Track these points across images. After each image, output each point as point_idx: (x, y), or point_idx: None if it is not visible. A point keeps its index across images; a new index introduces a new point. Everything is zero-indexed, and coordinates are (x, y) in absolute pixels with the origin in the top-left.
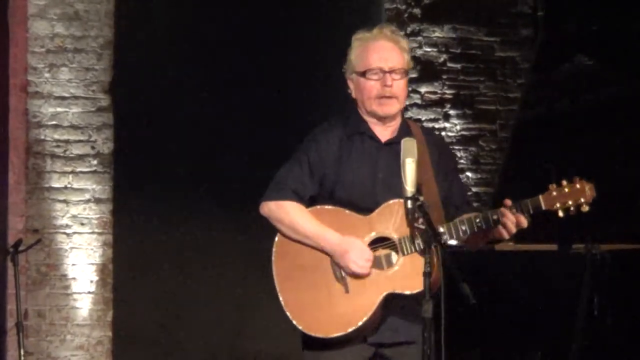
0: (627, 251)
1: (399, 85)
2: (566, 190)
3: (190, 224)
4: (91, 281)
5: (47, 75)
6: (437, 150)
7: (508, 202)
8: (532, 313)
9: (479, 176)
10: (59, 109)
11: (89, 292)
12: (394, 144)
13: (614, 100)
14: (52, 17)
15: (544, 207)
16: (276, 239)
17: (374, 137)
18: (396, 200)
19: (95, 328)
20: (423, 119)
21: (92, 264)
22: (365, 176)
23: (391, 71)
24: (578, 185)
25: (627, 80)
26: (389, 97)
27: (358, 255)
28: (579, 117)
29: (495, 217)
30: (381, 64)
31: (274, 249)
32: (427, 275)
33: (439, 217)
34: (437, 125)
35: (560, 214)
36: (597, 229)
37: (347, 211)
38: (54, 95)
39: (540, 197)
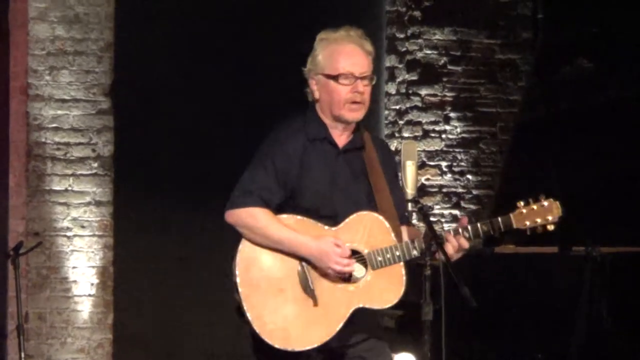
0: (627, 253)
1: (367, 91)
2: (535, 208)
3: (191, 227)
4: (92, 284)
5: (47, 77)
6: (382, 155)
7: (464, 220)
8: (533, 315)
9: (479, 179)
10: (59, 112)
11: (90, 295)
12: (350, 151)
13: (614, 103)
14: (52, 20)
15: (514, 226)
16: (239, 248)
17: (333, 143)
18: (365, 213)
19: (96, 331)
20: (423, 121)
21: (93, 266)
22: (324, 183)
23: (362, 77)
24: (546, 204)
25: (627, 83)
26: (358, 103)
27: (340, 255)
28: (579, 120)
29: (440, 240)
30: (353, 69)
31: (236, 262)
32: (426, 278)
33: (396, 226)
34: (437, 128)
35: (528, 232)
36: (597, 231)
37: (315, 222)
38: (54, 98)
39: (511, 215)
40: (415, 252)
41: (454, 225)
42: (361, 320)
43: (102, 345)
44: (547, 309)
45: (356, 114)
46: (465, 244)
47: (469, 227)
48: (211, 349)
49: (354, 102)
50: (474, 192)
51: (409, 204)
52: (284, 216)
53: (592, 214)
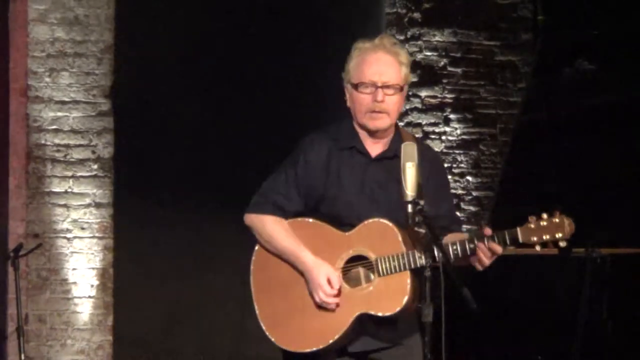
0: (627, 255)
1: (391, 101)
2: (544, 224)
3: (191, 228)
4: (92, 285)
5: (47, 79)
6: (429, 166)
7: (488, 231)
8: (533, 317)
9: (479, 180)
10: (59, 114)
11: (90, 297)
12: (383, 160)
13: (614, 105)
14: (52, 22)
15: (521, 240)
16: (256, 248)
17: (363, 152)
18: (376, 220)
19: (96, 332)
20: (423, 123)
21: (93, 268)
22: (351, 192)
23: (384, 86)
24: (557, 220)
25: (627, 85)
26: (379, 112)
27: (324, 288)
28: (579, 122)
29: (472, 245)
30: (374, 78)
31: (253, 259)
32: (427, 279)
33: (411, 235)
34: (437, 130)
35: (538, 248)
36: (597, 233)
37: (327, 226)
38: (54, 100)
39: (518, 229)
40: (421, 262)
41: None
42: (389, 326)
43: (102, 347)
44: (547, 310)
45: (377, 123)
46: (498, 250)
47: (475, 240)
48: (211, 350)
49: (374, 111)
50: (474, 193)
51: (408, 206)
52: (298, 219)
53: (591, 215)
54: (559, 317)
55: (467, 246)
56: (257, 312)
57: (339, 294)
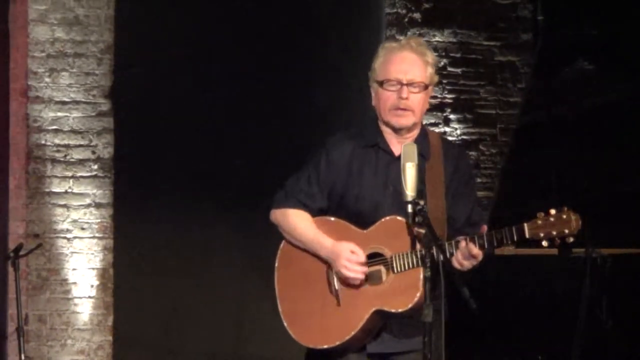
0: (628, 255)
1: (416, 99)
2: (552, 219)
3: (191, 228)
4: (92, 286)
5: (47, 79)
6: (453, 166)
7: (484, 228)
8: (533, 317)
9: (479, 180)
10: (59, 114)
11: (90, 297)
12: None
13: (614, 105)
14: (52, 22)
15: (527, 236)
16: (281, 245)
17: (387, 150)
18: (392, 217)
19: (96, 332)
20: (423, 123)
21: (93, 268)
22: (374, 190)
23: (409, 84)
24: (564, 216)
25: (627, 85)
26: (404, 110)
27: (349, 259)
28: (579, 122)
29: (450, 250)
30: (399, 76)
31: (277, 257)
32: (427, 279)
33: (441, 235)
34: (437, 130)
35: (545, 243)
36: (597, 233)
37: (348, 224)
38: (54, 100)
39: (525, 224)
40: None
41: None
42: (410, 330)
43: (102, 347)
44: (548, 311)
45: (401, 120)
46: (474, 250)
47: (484, 235)
48: (211, 350)
49: (399, 109)
50: None
51: (409, 206)
52: (320, 217)
53: (592, 215)
54: (559, 317)
55: (447, 250)
56: (279, 308)
57: (365, 265)
